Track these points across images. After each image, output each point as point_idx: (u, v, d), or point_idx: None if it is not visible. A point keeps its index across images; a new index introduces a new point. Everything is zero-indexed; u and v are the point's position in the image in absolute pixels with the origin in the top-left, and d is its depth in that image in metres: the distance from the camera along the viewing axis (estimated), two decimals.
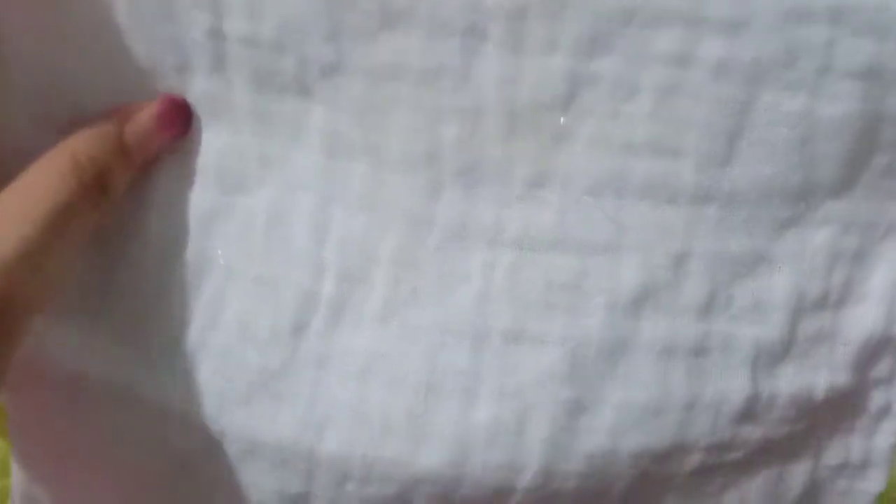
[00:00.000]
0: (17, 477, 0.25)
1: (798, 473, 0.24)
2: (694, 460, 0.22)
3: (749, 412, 0.22)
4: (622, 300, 0.22)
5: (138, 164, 0.21)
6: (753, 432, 0.22)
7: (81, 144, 0.20)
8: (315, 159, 0.22)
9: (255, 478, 0.22)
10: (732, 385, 0.22)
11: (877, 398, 0.23)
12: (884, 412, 0.23)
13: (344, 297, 0.22)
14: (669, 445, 0.22)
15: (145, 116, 0.21)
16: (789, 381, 0.22)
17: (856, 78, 0.20)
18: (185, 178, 0.22)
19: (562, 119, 0.21)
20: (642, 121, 0.21)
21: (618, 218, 0.21)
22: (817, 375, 0.23)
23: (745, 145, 0.21)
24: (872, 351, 0.23)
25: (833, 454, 0.24)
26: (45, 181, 0.19)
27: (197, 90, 0.22)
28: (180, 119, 0.22)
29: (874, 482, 0.24)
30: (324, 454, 0.22)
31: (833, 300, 0.22)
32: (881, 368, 0.23)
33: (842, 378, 0.23)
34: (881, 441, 0.24)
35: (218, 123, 0.22)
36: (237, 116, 0.22)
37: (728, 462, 0.23)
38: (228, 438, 0.22)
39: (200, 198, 0.22)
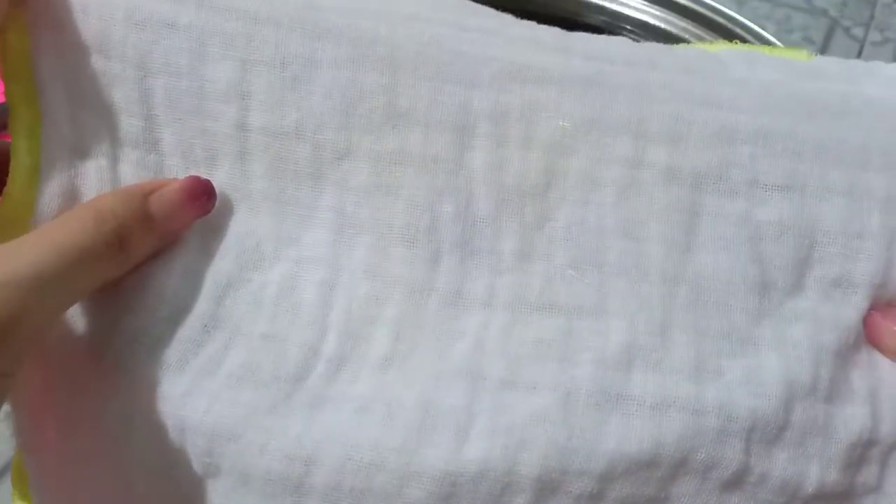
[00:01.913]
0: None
1: None
2: None
3: (737, 483, 0.22)
4: (610, 356, 0.22)
5: (160, 234, 0.22)
6: None
7: (106, 200, 0.21)
8: (325, 236, 0.23)
9: None
10: (726, 453, 0.22)
11: None
12: None
13: (345, 352, 0.23)
14: (653, 498, 0.22)
15: (171, 189, 0.22)
16: (782, 467, 0.22)
17: (781, 190, 0.24)
18: (206, 252, 0.23)
19: (541, 203, 0.24)
20: (610, 209, 0.24)
21: (601, 288, 0.23)
22: (809, 467, 0.23)
23: (702, 237, 0.24)
24: (860, 453, 0.23)
25: None
26: (66, 225, 0.20)
27: (221, 177, 0.23)
28: (205, 197, 0.23)
29: None
30: (313, 487, 0.22)
31: (822, 393, 0.23)
32: (869, 474, 0.23)
33: (832, 475, 0.23)
34: None
35: (238, 208, 0.23)
36: (255, 202, 0.23)
37: None
38: (221, 472, 0.22)
39: (218, 270, 0.23)
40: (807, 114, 0.24)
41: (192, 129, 0.23)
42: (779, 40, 0.41)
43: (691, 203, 0.24)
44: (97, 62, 0.23)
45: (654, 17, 0.45)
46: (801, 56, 0.26)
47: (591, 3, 0.46)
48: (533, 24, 0.25)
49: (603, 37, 0.26)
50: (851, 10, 0.75)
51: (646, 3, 0.45)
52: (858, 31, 0.73)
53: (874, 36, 0.73)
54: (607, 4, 0.46)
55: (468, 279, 0.23)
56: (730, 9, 0.44)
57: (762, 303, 0.23)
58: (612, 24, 0.46)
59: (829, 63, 0.26)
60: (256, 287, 0.23)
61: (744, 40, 0.43)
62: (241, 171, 0.23)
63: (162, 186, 0.22)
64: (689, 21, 0.44)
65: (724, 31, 0.43)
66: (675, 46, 0.26)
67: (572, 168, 0.24)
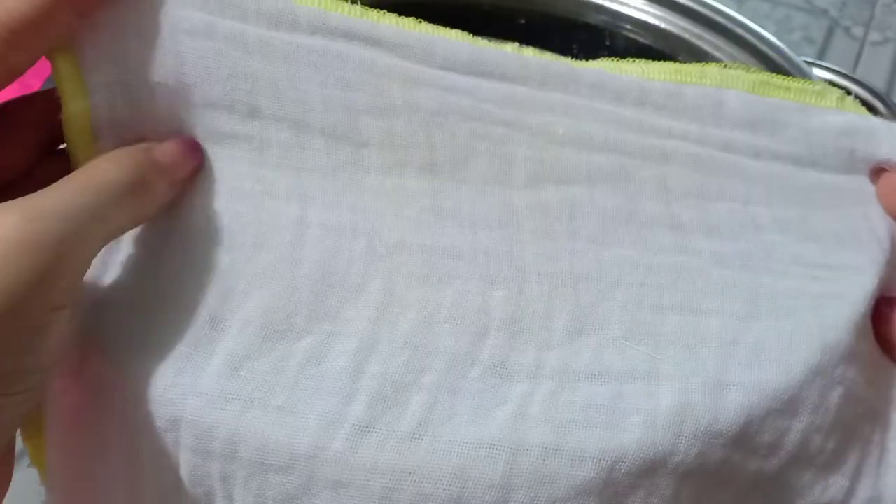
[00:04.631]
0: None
1: None
2: None
3: None
4: (661, 419, 0.22)
5: (171, 181, 0.23)
6: None
7: (124, 150, 0.22)
8: (366, 314, 0.23)
9: None
10: None
11: None
12: None
13: (374, 418, 0.22)
14: None
15: (170, 142, 0.23)
16: None
17: (821, 268, 0.26)
18: (220, 328, 0.22)
19: (595, 286, 0.24)
20: (666, 290, 0.24)
21: (654, 355, 0.23)
22: None
23: (762, 309, 0.24)
24: None
25: None
26: (98, 167, 0.21)
27: (265, 260, 0.23)
28: (195, 150, 0.23)
29: None
30: None
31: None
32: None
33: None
34: None
35: (272, 286, 0.23)
36: (297, 282, 0.23)
37: None
38: None
39: (236, 343, 0.22)
40: (811, 202, 0.26)
41: (246, 221, 0.23)
42: (779, 40, 0.41)
43: (748, 280, 0.25)
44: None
45: (654, 16, 0.45)
46: (831, 102, 0.27)
47: (591, 2, 0.46)
48: (546, 103, 0.25)
49: (608, 116, 0.26)
50: (851, 10, 0.75)
51: (646, 2, 0.45)
52: (858, 31, 0.73)
53: (874, 36, 0.72)
54: (607, 4, 0.46)
55: (515, 352, 0.23)
56: (730, 8, 0.44)
57: (821, 362, 0.24)
58: (612, 24, 0.46)
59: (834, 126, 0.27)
60: (276, 356, 0.22)
61: (744, 40, 0.43)
62: (290, 255, 0.23)
63: (158, 144, 0.23)
64: (689, 21, 0.44)
65: (725, 31, 0.43)
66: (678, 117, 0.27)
67: (622, 256, 0.25)
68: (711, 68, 0.27)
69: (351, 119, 0.24)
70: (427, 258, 0.24)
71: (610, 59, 0.27)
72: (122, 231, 0.22)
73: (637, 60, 0.27)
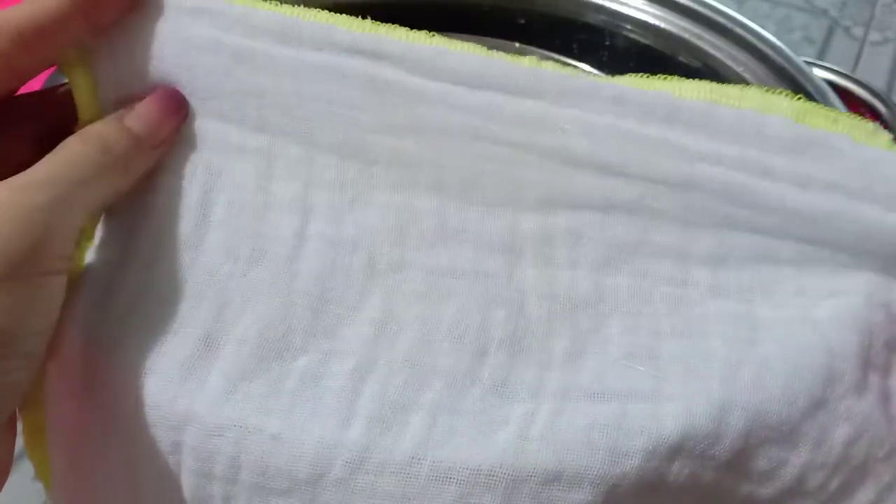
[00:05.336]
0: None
1: None
2: None
3: None
4: (664, 442, 0.22)
5: (149, 148, 0.23)
6: None
7: (90, 128, 0.22)
8: (364, 331, 0.23)
9: None
10: None
11: None
12: None
13: (372, 441, 0.21)
14: None
15: (143, 105, 0.23)
16: None
17: (830, 296, 0.24)
18: (213, 347, 0.22)
19: (594, 312, 0.24)
20: (664, 318, 0.24)
21: (656, 374, 0.23)
22: None
23: (762, 335, 0.23)
24: None
25: None
26: (65, 152, 0.21)
27: (261, 274, 0.23)
28: (176, 102, 0.23)
29: None
30: None
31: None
32: None
33: None
34: None
35: (270, 303, 0.23)
36: (294, 297, 0.23)
37: None
38: None
39: (231, 364, 0.22)
40: (849, 242, 0.24)
41: (245, 234, 0.23)
42: (779, 40, 0.41)
43: (745, 312, 0.24)
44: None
45: (654, 16, 0.45)
46: (882, 143, 0.24)
47: (591, 2, 0.46)
48: (561, 121, 0.24)
49: (629, 135, 0.24)
50: (851, 10, 0.75)
51: (646, 2, 0.45)
52: (858, 31, 0.73)
53: (874, 36, 0.72)
54: (607, 4, 0.46)
55: (515, 371, 0.23)
56: (730, 8, 0.44)
57: (823, 394, 0.23)
58: (612, 24, 0.46)
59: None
60: (272, 376, 0.22)
61: (744, 40, 0.43)
62: (287, 269, 0.23)
63: (133, 107, 0.23)
64: (689, 21, 0.44)
65: (725, 31, 0.43)
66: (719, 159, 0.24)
67: (621, 285, 0.24)
68: (752, 91, 0.24)
69: (359, 137, 0.24)
70: (427, 276, 0.24)
71: (638, 75, 0.25)
72: (106, 199, 0.22)
73: (669, 77, 0.25)
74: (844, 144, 0.23)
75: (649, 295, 0.24)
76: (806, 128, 0.24)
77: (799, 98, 0.24)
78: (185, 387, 0.22)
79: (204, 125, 0.24)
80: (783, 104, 0.24)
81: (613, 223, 0.24)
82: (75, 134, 0.22)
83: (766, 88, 0.24)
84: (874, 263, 0.24)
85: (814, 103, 0.24)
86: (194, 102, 0.24)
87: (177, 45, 0.23)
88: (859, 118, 0.24)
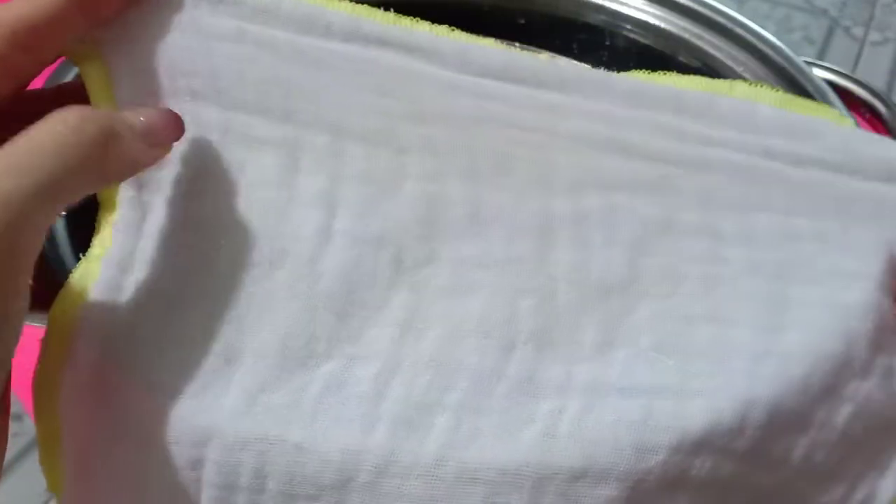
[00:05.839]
0: None
1: None
2: None
3: None
4: (688, 438, 0.22)
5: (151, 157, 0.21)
6: None
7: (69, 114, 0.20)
8: (389, 333, 0.22)
9: None
10: None
11: None
12: None
13: (397, 445, 0.21)
14: None
15: (149, 111, 0.21)
16: None
17: (857, 278, 0.25)
18: (232, 358, 0.22)
19: (626, 296, 0.24)
20: (696, 299, 0.24)
21: (684, 368, 0.23)
22: None
23: (789, 318, 0.24)
24: None
25: None
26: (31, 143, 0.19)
27: (282, 276, 0.22)
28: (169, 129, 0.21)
29: None
30: None
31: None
32: None
33: None
34: None
35: (289, 307, 0.22)
36: (316, 301, 0.22)
37: None
38: None
39: (251, 377, 0.21)
40: (852, 212, 0.26)
41: (266, 235, 0.22)
42: (779, 40, 0.42)
43: (777, 290, 0.24)
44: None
45: (654, 16, 0.45)
46: (848, 126, 0.27)
47: (591, 2, 0.46)
48: (584, 110, 0.25)
49: (647, 124, 0.26)
50: (851, 10, 0.75)
51: (646, 2, 0.45)
52: (858, 31, 0.73)
53: (874, 36, 0.72)
54: (607, 4, 0.46)
55: (542, 366, 0.22)
56: (730, 8, 0.44)
57: (839, 377, 0.23)
58: (612, 24, 0.46)
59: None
60: (294, 385, 0.21)
61: (744, 40, 0.43)
62: (310, 271, 0.22)
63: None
64: (689, 21, 0.44)
65: (725, 31, 0.43)
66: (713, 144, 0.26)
67: (655, 265, 0.24)
68: (739, 84, 0.27)
69: (389, 125, 0.24)
70: (454, 268, 0.23)
71: (641, 72, 0.27)
72: (84, 187, 0.19)
73: (668, 73, 0.27)
74: (825, 127, 0.27)
75: (684, 274, 0.24)
76: (791, 113, 0.27)
77: (777, 90, 0.27)
78: (204, 402, 0.21)
79: (225, 116, 0.23)
80: (768, 95, 0.27)
81: (643, 203, 0.25)
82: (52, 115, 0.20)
83: (749, 82, 0.27)
84: (885, 245, 0.25)
85: (791, 94, 0.28)
86: (216, 94, 0.23)
87: (195, 35, 0.22)
88: (827, 107, 0.28)
